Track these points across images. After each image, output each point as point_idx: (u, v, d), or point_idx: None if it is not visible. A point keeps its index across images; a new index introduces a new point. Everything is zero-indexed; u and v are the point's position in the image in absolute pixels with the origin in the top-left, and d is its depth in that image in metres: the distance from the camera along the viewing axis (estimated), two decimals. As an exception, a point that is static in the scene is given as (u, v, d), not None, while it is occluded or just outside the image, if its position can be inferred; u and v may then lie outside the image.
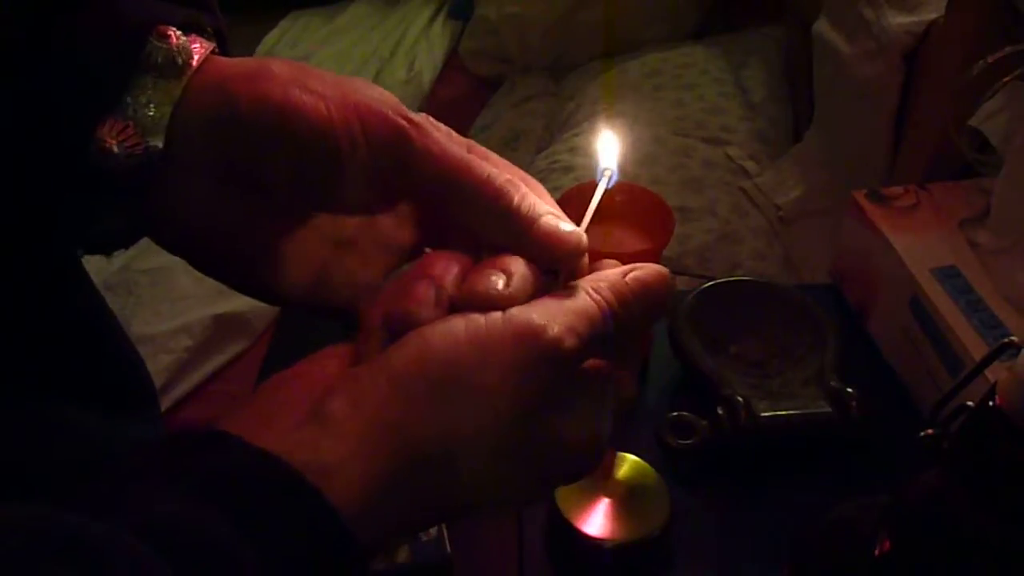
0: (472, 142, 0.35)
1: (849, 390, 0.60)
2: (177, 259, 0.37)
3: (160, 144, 0.32)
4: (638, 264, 0.35)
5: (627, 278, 0.34)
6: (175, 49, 0.32)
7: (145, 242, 0.37)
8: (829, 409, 0.60)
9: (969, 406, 0.35)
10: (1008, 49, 0.71)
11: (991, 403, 0.32)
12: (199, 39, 0.33)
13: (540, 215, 0.33)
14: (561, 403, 0.31)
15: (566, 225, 0.34)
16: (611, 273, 0.34)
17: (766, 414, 0.59)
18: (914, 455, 0.37)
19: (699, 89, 1.38)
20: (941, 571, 0.37)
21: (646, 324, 0.35)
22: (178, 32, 0.32)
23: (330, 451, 0.28)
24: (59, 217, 0.34)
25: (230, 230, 0.35)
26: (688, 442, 0.59)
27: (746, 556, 0.56)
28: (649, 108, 1.35)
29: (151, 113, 0.31)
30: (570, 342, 0.30)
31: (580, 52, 1.73)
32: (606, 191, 0.40)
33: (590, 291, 0.32)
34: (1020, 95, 0.70)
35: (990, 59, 0.72)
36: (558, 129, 1.48)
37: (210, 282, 0.38)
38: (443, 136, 0.33)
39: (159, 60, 0.32)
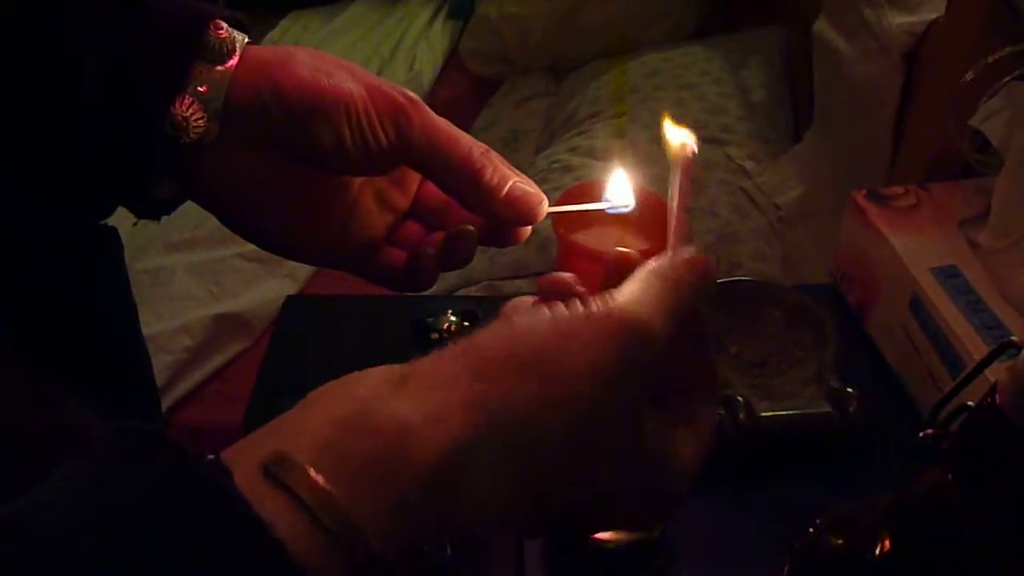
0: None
1: (849, 390, 0.60)
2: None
3: (217, 119, 0.38)
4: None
5: (673, 259, 0.34)
6: (226, 40, 0.38)
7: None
8: (829, 409, 0.60)
9: (969, 406, 0.35)
10: (1008, 49, 0.71)
11: (991, 403, 0.32)
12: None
13: (509, 180, 0.40)
14: (646, 398, 0.30)
15: (531, 188, 0.41)
16: (662, 258, 0.34)
17: (766, 414, 0.59)
18: (914, 455, 0.37)
19: (699, 89, 1.38)
20: (941, 571, 0.37)
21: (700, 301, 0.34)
22: (226, 26, 0.39)
23: (407, 414, 0.26)
24: (123, 183, 0.39)
25: (265, 194, 0.41)
26: (688, 442, 0.59)
27: (746, 556, 0.56)
28: (649, 108, 1.35)
29: (209, 93, 0.37)
30: (658, 321, 0.30)
31: (580, 52, 1.73)
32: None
33: (654, 272, 0.32)
34: (1020, 95, 0.70)
35: (990, 59, 0.72)
36: (558, 129, 1.48)
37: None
38: (435, 115, 0.40)
39: (214, 48, 0.38)
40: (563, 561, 0.56)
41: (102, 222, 0.43)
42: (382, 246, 0.45)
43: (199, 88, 0.37)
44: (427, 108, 0.40)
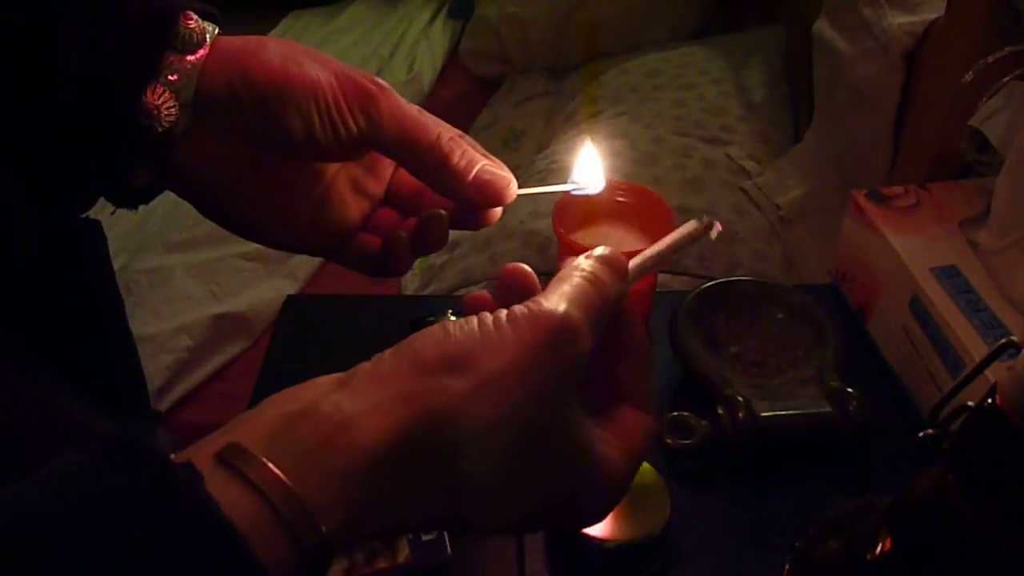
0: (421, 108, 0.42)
1: (849, 390, 0.60)
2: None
3: (189, 108, 0.39)
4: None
5: (588, 258, 0.35)
6: (196, 30, 0.39)
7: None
8: (829, 409, 0.60)
9: (969, 406, 0.35)
10: (1008, 49, 0.71)
11: (991, 403, 0.32)
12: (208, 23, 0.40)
13: (476, 164, 0.41)
14: (572, 391, 0.31)
15: (500, 171, 0.41)
16: (575, 260, 0.35)
17: (766, 414, 0.59)
18: (914, 455, 0.37)
19: (699, 89, 1.38)
20: (941, 571, 0.37)
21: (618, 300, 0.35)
22: (197, 17, 0.39)
23: (350, 406, 0.28)
24: (98, 173, 0.40)
25: (239, 182, 0.42)
26: (688, 442, 0.59)
27: (746, 556, 0.56)
28: (649, 108, 1.35)
29: (180, 83, 0.38)
30: (581, 316, 0.31)
31: (580, 52, 1.73)
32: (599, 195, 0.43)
33: (574, 272, 0.34)
34: (1020, 95, 0.70)
35: (990, 59, 0.72)
36: (558, 129, 1.48)
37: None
38: (403, 101, 0.41)
39: (184, 39, 0.39)
40: (563, 561, 0.56)
41: (84, 215, 0.44)
42: (357, 233, 0.45)
43: (170, 77, 0.38)
44: (396, 94, 0.41)
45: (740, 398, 0.60)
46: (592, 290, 0.33)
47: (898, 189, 0.72)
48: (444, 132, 0.41)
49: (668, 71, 1.45)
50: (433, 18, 1.97)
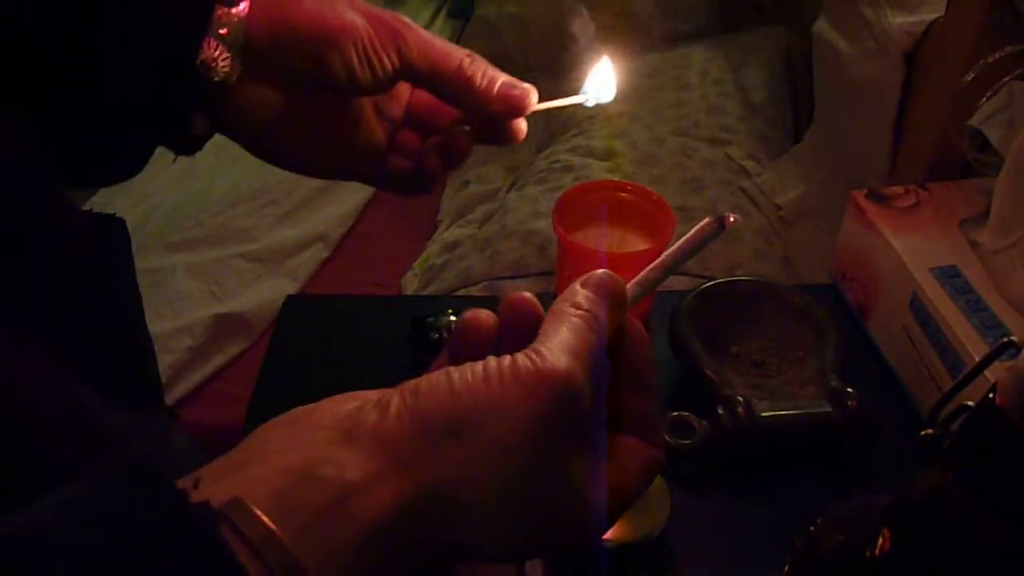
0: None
1: (849, 390, 0.60)
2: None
3: (240, 57, 0.42)
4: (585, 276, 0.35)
5: (582, 286, 0.34)
6: None
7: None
8: (829, 409, 0.60)
9: (969, 406, 0.35)
10: (1008, 49, 0.71)
11: (991, 403, 0.32)
12: None
13: (498, 80, 0.46)
14: (573, 446, 0.31)
15: (519, 83, 0.47)
16: (571, 291, 0.34)
17: (766, 414, 0.59)
18: (914, 455, 0.37)
19: (699, 89, 1.38)
20: (941, 571, 0.37)
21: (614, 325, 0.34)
22: None
23: (353, 472, 0.28)
24: (162, 125, 0.43)
25: (284, 121, 0.45)
26: (688, 442, 0.60)
27: (746, 556, 0.56)
28: (649, 108, 1.35)
29: (230, 36, 0.42)
30: (581, 370, 0.31)
31: (580, 52, 1.73)
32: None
33: (572, 310, 0.33)
34: (1020, 95, 0.70)
35: (990, 59, 0.72)
36: (558, 129, 1.48)
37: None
38: (426, 33, 0.45)
39: None
40: (563, 560, 0.56)
41: (111, 214, 0.45)
42: (386, 154, 0.50)
43: (220, 31, 0.41)
44: (419, 28, 0.45)
45: (740, 398, 0.60)
46: (591, 334, 0.32)
47: (898, 189, 0.72)
48: (464, 57, 0.45)
49: (668, 71, 1.45)
50: (433, 18, 1.97)
